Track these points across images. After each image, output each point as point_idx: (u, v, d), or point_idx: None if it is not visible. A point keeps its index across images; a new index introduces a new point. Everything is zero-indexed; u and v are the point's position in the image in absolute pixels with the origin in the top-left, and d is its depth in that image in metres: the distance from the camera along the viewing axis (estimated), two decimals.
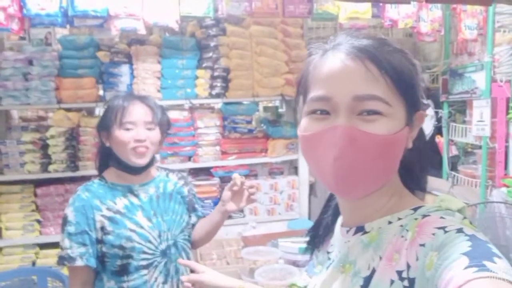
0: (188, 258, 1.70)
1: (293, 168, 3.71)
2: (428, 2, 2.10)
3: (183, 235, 1.69)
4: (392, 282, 0.68)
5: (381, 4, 2.84)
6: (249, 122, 3.51)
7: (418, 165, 0.83)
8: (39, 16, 2.48)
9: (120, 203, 1.60)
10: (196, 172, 3.51)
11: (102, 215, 1.56)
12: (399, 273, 0.68)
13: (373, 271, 0.73)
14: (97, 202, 1.57)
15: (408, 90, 0.73)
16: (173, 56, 3.25)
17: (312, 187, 3.71)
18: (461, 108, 3.31)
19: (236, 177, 1.62)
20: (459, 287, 0.53)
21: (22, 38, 2.93)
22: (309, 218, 3.56)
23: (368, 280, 0.73)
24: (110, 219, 1.56)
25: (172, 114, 3.36)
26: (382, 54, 0.72)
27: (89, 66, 3.13)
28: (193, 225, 1.77)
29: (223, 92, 3.35)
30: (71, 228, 1.53)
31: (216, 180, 3.45)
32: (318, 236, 0.97)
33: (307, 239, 1.01)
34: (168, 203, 1.68)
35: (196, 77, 3.32)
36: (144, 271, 1.57)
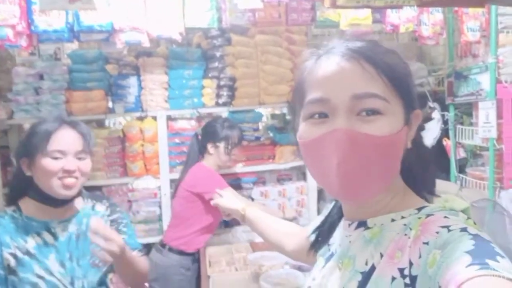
0: None
1: (302, 174, 3.72)
2: (419, 6, 2.12)
3: (102, 281, 1.50)
4: (393, 279, 0.68)
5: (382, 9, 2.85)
6: (256, 130, 3.54)
7: (419, 165, 0.82)
8: (46, 32, 2.54)
9: (31, 242, 1.40)
10: None
11: (10, 253, 1.38)
12: (401, 270, 0.68)
13: (372, 267, 0.73)
14: (6, 238, 1.39)
15: (404, 89, 0.74)
16: (180, 67, 3.30)
17: (321, 192, 3.71)
18: (468, 111, 3.29)
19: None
20: (461, 284, 0.54)
21: (32, 54, 3.01)
22: None
23: (366, 275, 0.73)
24: (18, 259, 1.38)
25: (180, 124, 3.41)
26: (376, 54, 0.73)
27: (98, 79, 3.20)
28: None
29: (230, 100, 3.39)
30: None
31: None
32: (322, 235, 0.96)
33: (312, 239, 1.01)
34: (88, 244, 1.45)
35: (203, 87, 3.36)
36: None
